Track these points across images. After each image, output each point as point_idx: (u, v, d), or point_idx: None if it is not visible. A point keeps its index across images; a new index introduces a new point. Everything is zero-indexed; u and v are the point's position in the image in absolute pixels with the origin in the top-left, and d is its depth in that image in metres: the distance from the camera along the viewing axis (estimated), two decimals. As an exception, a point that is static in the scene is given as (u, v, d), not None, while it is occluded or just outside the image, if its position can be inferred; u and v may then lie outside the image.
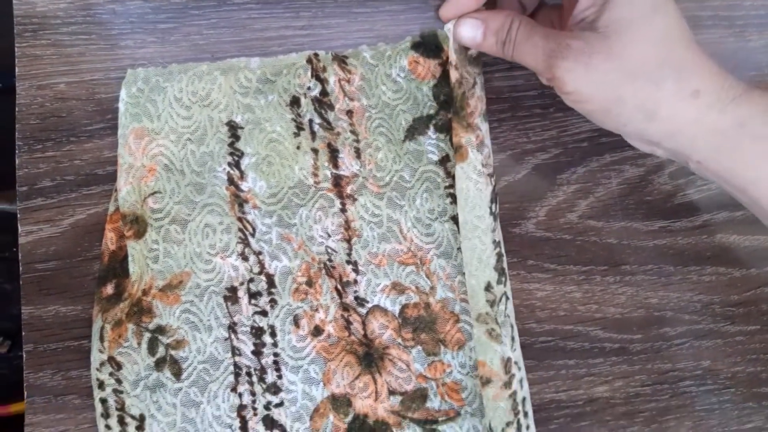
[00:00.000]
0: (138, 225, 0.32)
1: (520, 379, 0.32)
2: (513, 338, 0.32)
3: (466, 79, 0.33)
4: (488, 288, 0.32)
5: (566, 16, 0.31)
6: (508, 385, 0.31)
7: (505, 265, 0.33)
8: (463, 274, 0.32)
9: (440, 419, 0.32)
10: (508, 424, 0.31)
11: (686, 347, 0.34)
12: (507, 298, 0.33)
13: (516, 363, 0.32)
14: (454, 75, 0.33)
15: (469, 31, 0.31)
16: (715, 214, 0.36)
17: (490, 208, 0.32)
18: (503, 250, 0.33)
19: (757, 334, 0.35)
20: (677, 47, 0.27)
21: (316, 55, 0.34)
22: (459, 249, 0.33)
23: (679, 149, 0.28)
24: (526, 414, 0.32)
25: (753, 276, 0.35)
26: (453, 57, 0.32)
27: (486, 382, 0.31)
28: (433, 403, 0.32)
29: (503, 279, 0.32)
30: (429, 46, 0.34)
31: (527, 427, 0.31)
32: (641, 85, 0.27)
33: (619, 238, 0.35)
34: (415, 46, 0.34)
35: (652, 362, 0.34)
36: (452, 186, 0.33)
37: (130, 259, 0.31)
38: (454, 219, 0.33)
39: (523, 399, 0.32)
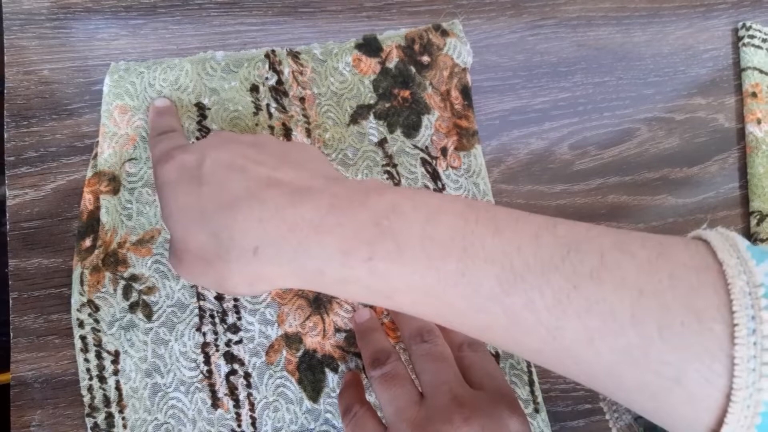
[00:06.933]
0: (114, 183, 0.36)
1: None
2: None
3: None
4: None
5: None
6: None
7: None
8: None
9: (379, 354, 0.36)
10: None
11: (586, 289, 0.39)
12: None
13: None
14: None
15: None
16: (608, 179, 0.40)
17: None
18: None
19: (646, 278, 0.40)
20: None
21: (273, 51, 0.38)
22: None
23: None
24: None
25: (641, 230, 0.38)
26: None
27: None
28: None
29: None
30: (371, 46, 0.39)
31: None
32: None
33: (527, 199, 0.39)
34: (359, 46, 0.39)
35: (558, 301, 0.39)
36: (389, 164, 0.38)
37: (103, 210, 0.35)
38: None
39: None
